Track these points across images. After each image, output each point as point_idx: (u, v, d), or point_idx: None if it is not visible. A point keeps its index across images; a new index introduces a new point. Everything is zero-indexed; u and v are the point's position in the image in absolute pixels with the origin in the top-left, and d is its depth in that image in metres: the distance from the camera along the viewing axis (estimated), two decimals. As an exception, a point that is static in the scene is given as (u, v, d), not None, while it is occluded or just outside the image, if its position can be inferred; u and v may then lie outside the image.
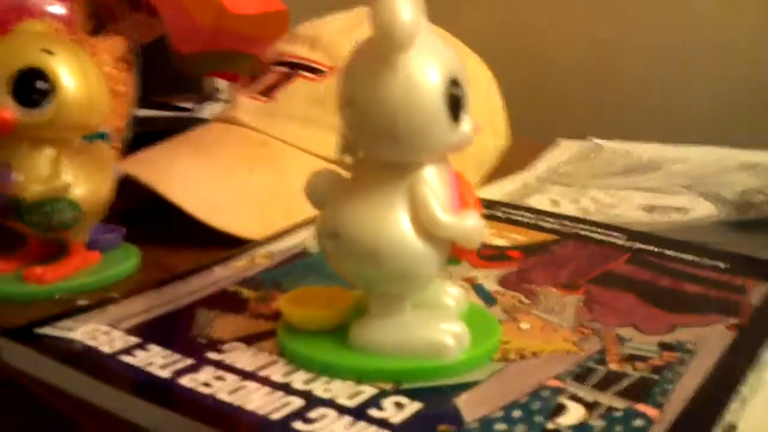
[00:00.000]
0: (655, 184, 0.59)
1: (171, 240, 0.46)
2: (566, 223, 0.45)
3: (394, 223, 0.27)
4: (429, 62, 0.26)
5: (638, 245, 0.41)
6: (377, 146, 0.27)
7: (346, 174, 0.29)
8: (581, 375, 0.28)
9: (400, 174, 0.28)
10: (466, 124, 0.27)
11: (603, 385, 0.27)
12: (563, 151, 0.69)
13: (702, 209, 0.52)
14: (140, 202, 0.49)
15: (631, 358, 0.29)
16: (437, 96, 0.26)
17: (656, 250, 0.41)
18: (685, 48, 0.81)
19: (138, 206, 0.49)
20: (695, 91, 0.81)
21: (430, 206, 0.27)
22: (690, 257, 0.40)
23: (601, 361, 0.29)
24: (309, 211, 0.47)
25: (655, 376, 0.28)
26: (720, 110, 0.80)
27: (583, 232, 0.43)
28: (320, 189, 0.29)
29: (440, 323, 0.29)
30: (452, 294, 0.32)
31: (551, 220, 0.45)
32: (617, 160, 0.66)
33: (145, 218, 0.49)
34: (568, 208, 0.54)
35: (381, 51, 0.26)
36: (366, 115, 0.27)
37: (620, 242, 0.42)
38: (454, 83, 0.27)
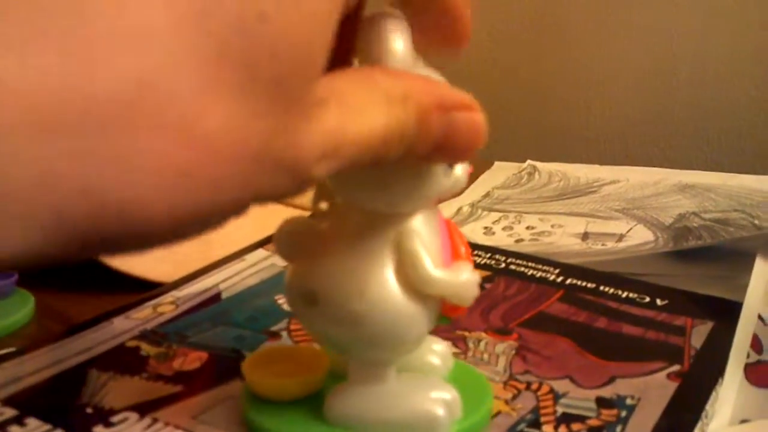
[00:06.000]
0: (591, 208, 0.57)
1: (70, 285, 0.42)
2: (498, 257, 0.42)
3: (378, 281, 0.24)
4: None
5: (572, 280, 0.39)
6: (360, 194, 0.24)
7: (317, 221, 0.26)
8: (512, 442, 0.26)
9: (385, 224, 0.24)
10: (459, 167, 0.24)
11: (536, 454, 0.25)
12: (498, 174, 0.67)
13: (639, 236, 0.50)
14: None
15: (567, 418, 0.27)
16: None
17: (591, 286, 0.38)
18: (625, 70, 0.80)
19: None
20: (635, 112, 0.81)
21: (420, 262, 0.24)
22: (626, 293, 0.37)
23: (535, 423, 0.27)
24: (225, 249, 0.44)
25: (593, 440, 0.26)
26: (658, 131, 0.79)
27: (515, 267, 0.41)
28: (292, 239, 0.26)
29: (429, 390, 0.26)
30: (437, 351, 0.28)
31: (483, 254, 0.42)
32: (553, 183, 0.65)
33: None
34: (501, 236, 0.52)
35: None
36: None
37: (552, 278, 0.40)
38: None
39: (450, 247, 0.26)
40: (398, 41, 0.22)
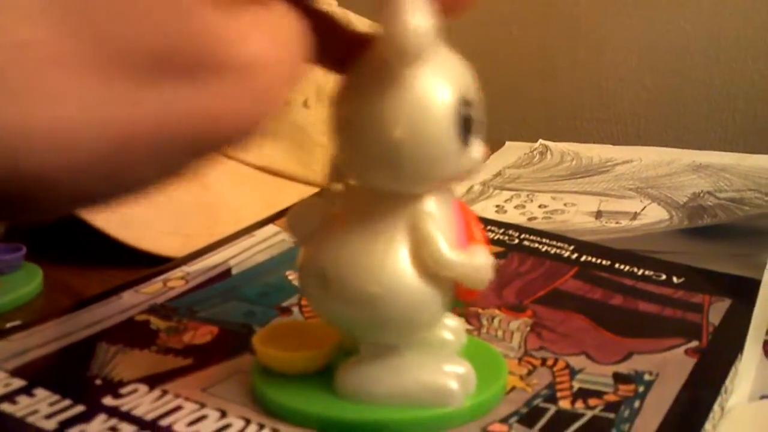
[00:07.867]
0: (604, 187, 0.56)
1: (79, 259, 0.41)
2: (511, 232, 0.42)
3: (393, 263, 0.23)
4: (439, 78, 0.22)
5: (587, 257, 0.38)
6: (374, 174, 0.23)
7: (330, 203, 0.25)
8: (529, 417, 0.25)
9: (399, 205, 0.24)
10: (475, 149, 0.23)
11: (552, 429, 0.24)
12: (510, 154, 0.66)
13: (653, 214, 0.50)
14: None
15: (584, 394, 0.26)
16: (448, 118, 0.22)
17: (606, 263, 0.38)
18: (637, 50, 0.79)
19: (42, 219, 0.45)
20: (647, 92, 0.80)
21: (435, 244, 0.23)
22: (642, 271, 0.37)
23: (551, 398, 0.26)
24: (234, 225, 0.44)
25: (611, 415, 0.25)
26: (671, 111, 0.78)
27: (528, 243, 0.40)
28: (305, 221, 0.25)
29: (442, 364, 0.26)
30: (450, 326, 0.28)
31: (496, 229, 0.42)
32: (565, 163, 0.64)
33: (51, 233, 0.45)
34: (513, 214, 0.51)
35: (385, 63, 0.22)
36: (363, 138, 0.22)
37: (567, 254, 0.39)
38: (466, 102, 0.23)
39: (465, 229, 0.25)
40: (420, 18, 0.21)
